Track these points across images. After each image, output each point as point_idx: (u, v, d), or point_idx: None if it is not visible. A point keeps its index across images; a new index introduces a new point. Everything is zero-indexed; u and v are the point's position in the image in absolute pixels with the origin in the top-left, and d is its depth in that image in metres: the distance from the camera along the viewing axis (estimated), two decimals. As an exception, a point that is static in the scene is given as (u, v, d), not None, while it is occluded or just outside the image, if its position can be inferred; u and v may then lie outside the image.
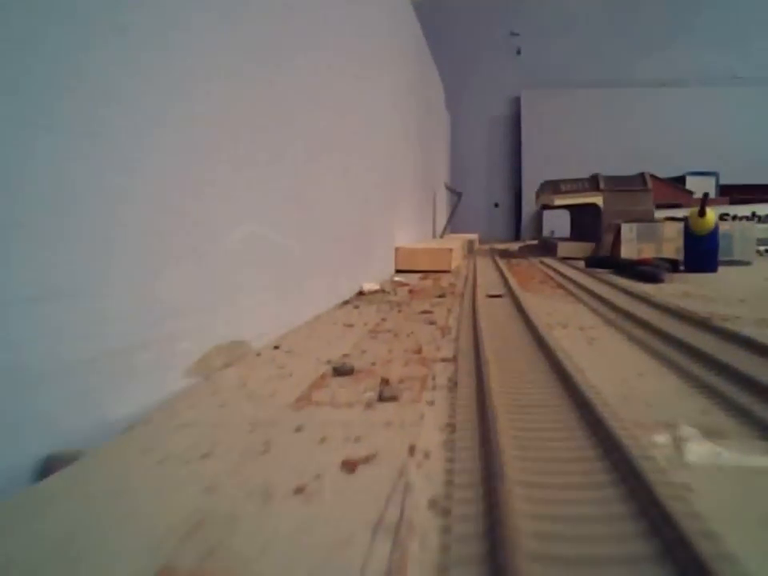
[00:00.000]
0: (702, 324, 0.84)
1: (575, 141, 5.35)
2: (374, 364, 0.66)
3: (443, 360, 0.67)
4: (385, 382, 0.57)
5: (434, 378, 0.59)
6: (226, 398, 0.54)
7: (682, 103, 5.30)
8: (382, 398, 0.52)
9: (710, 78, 5.31)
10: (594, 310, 1.06)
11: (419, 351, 0.72)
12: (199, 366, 0.60)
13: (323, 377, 0.60)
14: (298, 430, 0.46)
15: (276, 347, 0.75)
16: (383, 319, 0.97)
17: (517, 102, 5.63)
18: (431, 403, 0.51)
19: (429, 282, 1.59)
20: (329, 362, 0.67)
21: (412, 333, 0.85)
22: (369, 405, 0.51)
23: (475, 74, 5.63)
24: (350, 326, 0.91)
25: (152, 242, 0.54)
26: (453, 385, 0.57)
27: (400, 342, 0.78)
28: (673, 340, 0.75)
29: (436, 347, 0.75)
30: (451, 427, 0.45)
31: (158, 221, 0.55)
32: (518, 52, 5.68)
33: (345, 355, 0.70)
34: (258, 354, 0.71)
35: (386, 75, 1.79)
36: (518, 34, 5.65)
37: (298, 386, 0.57)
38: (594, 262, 2.07)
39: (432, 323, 0.93)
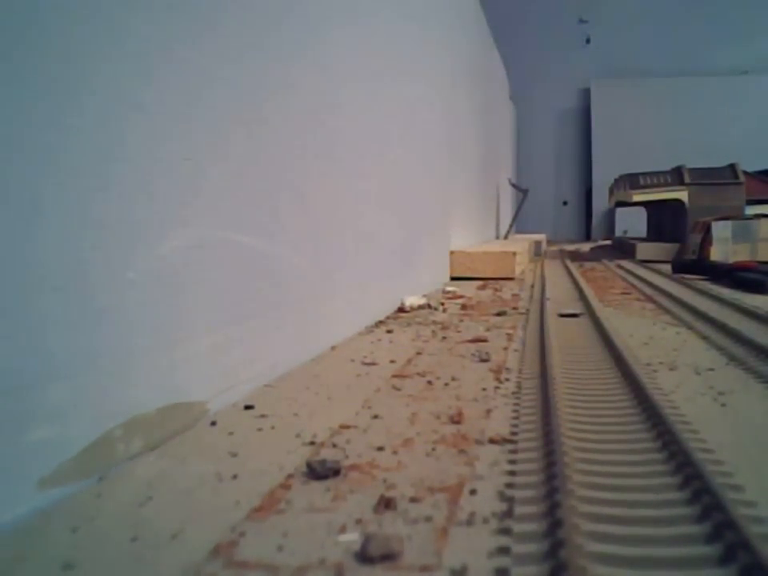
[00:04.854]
0: None
1: (649, 134, 4.93)
2: (380, 449, 0.41)
3: (493, 441, 0.42)
4: (385, 502, 0.32)
5: (472, 492, 0.34)
6: (80, 551, 0.30)
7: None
8: (366, 555, 0.27)
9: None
10: (706, 338, 0.79)
11: (458, 419, 0.47)
12: (85, 459, 0.36)
13: (288, 482, 0.36)
14: None
15: (248, 407, 0.51)
16: (418, 353, 0.72)
17: (586, 93, 5.26)
18: (460, 574, 0.26)
19: (487, 293, 1.33)
20: (312, 442, 0.43)
21: (453, 379, 0.60)
22: (339, 574, 0.26)
23: (542, 65, 5.28)
24: (371, 364, 0.67)
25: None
26: (506, 511, 0.32)
27: (433, 398, 0.53)
28: None
29: (485, 410, 0.50)
30: None
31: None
32: (588, 41, 5.30)
33: (342, 427, 0.46)
34: (213, 423, 0.47)
35: (437, 61, 1.54)
36: (587, 22, 5.28)
37: (236, 506, 0.33)
38: (682, 267, 1.77)
39: (484, 360, 0.68)
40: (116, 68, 0.40)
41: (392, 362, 0.68)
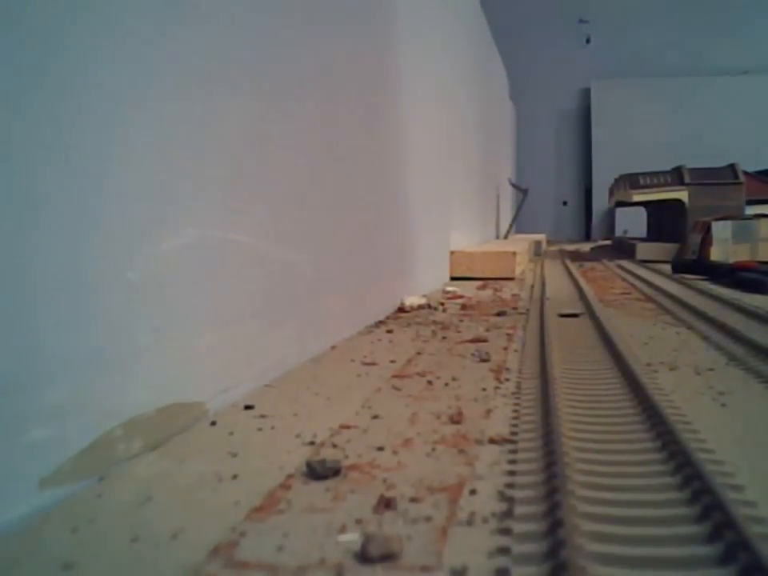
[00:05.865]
0: None
1: (649, 135, 4.92)
2: (380, 449, 0.41)
3: (492, 441, 0.42)
4: (385, 502, 0.32)
5: (472, 492, 0.34)
6: (80, 551, 0.30)
7: (768, 92, 4.84)
8: (366, 555, 0.27)
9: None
10: (706, 338, 0.79)
11: (458, 418, 0.47)
12: (85, 459, 0.36)
13: (288, 482, 0.36)
14: None
15: (248, 407, 0.51)
16: (418, 353, 0.72)
17: (586, 93, 5.25)
18: (460, 574, 0.26)
19: (487, 293, 1.33)
20: (312, 442, 0.43)
21: (453, 379, 0.60)
22: (339, 574, 0.26)
23: (542, 64, 5.27)
24: (371, 364, 0.67)
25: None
26: (506, 511, 0.32)
27: (433, 398, 0.53)
28: None
29: (485, 410, 0.50)
30: None
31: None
32: (588, 40, 5.30)
33: (342, 427, 0.46)
34: (213, 423, 0.47)
35: (437, 61, 1.54)
36: (587, 21, 5.27)
37: (236, 506, 0.33)
38: (682, 267, 1.77)
39: (484, 360, 0.68)
40: (118, 67, 0.40)
41: (392, 361, 0.68)
